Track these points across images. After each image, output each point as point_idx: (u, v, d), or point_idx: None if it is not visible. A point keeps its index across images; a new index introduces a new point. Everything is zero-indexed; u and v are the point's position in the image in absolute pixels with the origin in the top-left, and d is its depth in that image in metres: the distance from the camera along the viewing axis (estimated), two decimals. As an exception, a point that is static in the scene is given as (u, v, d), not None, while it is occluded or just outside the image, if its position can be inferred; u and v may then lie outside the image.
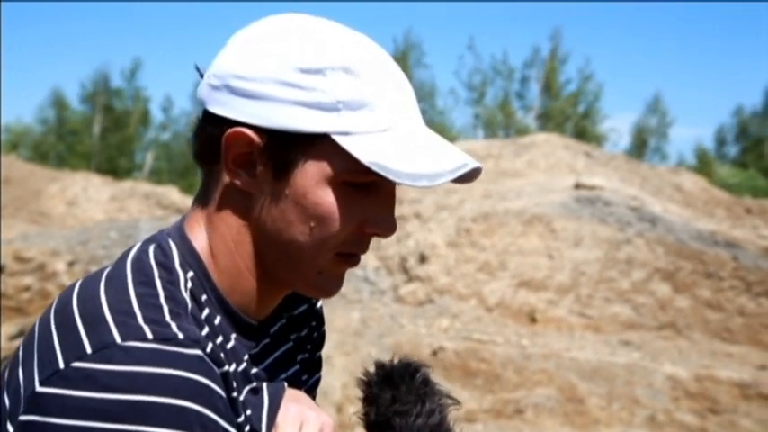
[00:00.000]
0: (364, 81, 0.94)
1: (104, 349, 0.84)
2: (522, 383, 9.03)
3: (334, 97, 0.93)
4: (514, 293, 11.98)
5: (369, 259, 12.47)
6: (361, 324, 10.08)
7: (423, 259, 12.65)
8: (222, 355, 0.92)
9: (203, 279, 0.98)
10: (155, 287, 0.92)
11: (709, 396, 9.00)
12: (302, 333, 1.18)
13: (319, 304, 1.24)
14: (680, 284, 12.23)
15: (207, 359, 0.87)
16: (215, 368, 0.88)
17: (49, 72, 71.40)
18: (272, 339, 1.09)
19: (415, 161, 0.93)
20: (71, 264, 10.18)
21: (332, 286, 1.02)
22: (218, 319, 0.97)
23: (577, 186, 14.62)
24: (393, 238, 13.03)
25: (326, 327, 1.27)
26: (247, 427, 0.93)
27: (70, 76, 75.87)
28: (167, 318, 0.88)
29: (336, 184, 0.95)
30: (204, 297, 0.97)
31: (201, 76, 1.00)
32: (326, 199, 0.95)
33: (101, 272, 0.97)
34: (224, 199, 0.99)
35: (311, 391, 1.19)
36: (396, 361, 1.08)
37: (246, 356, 1.00)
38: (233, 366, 0.94)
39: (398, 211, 1.07)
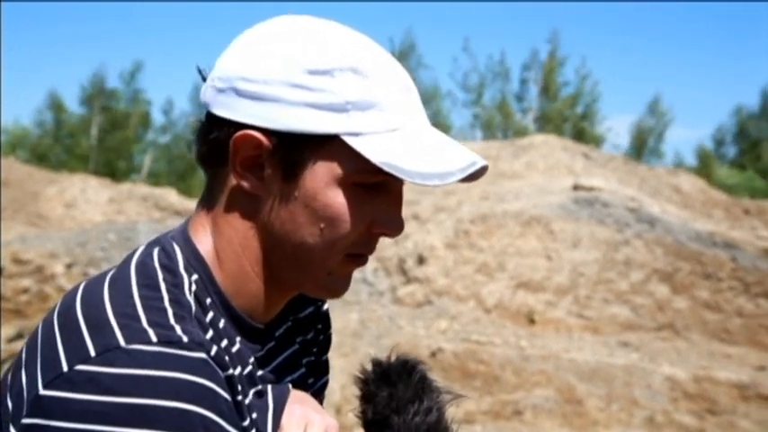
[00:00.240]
0: (372, 82, 0.95)
1: (108, 352, 0.84)
2: (521, 385, 9.03)
3: (343, 98, 0.93)
4: (513, 295, 11.98)
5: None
6: (360, 325, 10.08)
7: (421, 261, 12.65)
8: (227, 358, 0.91)
9: (208, 282, 0.98)
10: (159, 290, 0.91)
11: (707, 397, 9.01)
12: (308, 336, 1.18)
13: (325, 307, 1.23)
14: (678, 285, 12.23)
15: (211, 362, 0.87)
16: (219, 371, 0.88)
17: (48, 75, 71.45)
18: (277, 342, 1.08)
19: (426, 160, 0.94)
20: (69, 266, 10.17)
21: (341, 287, 1.02)
22: (222, 323, 0.97)
23: (576, 187, 14.63)
24: (391, 239, 13.13)
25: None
26: (253, 431, 0.93)
27: (71, 78, 75.81)
28: (171, 321, 0.88)
29: (346, 185, 0.95)
30: (209, 300, 0.96)
31: (204, 78, 1.00)
32: (337, 200, 0.94)
33: (104, 274, 0.96)
34: (230, 202, 0.99)
35: (318, 394, 1.18)
36: (393, 358, 1.08)
37: (252, 359, 0.99)
38: (238, 370, 0.94)
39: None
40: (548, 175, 16.58)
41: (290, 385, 1.03)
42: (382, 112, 0.94)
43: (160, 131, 40.49)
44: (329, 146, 0.93)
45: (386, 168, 0.92)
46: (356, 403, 1.08)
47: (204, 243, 1.00)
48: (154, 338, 0.85)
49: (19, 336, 8.66)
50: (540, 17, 66.32)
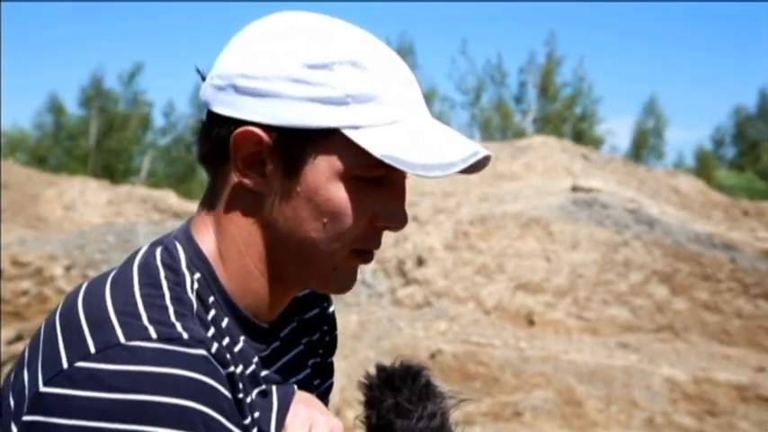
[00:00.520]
0: (372, 75, 0.94)
1: (108, 349, 0.84)
2: (520, 386, 9.04)
3: (342, 91, 0.93)
4: (512, 296, 11.98)
5: (366, 262, 12.43)
6: (359, 327, 10.08)
7: (420, 262, 12.65)
8: (228, 356, 0.91)
9: (210, 281, 0.98)
10: (160, 288, 0.91)
11: (707, 398, 9.01)
12: (314, 337, 1.18)
13: (331, 309, 1.23)
14: (677, 287, 12.24)
15: (212, 359, 0.87)
16: (220, 369, 0.88)
17: (47, 77, 71.33)
18: (282, 343, 1.08)
19: (427, 152, 0.93)
20: (68, 268, 10.17)
21: (346, 282, 1.02)
22: (225, 322, 0.96)
23: (575, 189, 14.64)
24: (390, 240, 13.00)
25: None
26: (255, 430, 0.93)
27: (71, 81, 75.76)
28: (172, 318, 0.88)
29: (348, 178, 0.94)
30: (211, 299, 0.96)
31: (203, 78, 1.00)
32: (338, 194, 0.94)
33: (107, 274, 0.96)
34: (233, 200, 0.98)
35: (324, 396, 1.18)
36: (397, 364, 1.08)
37: (256, 359, 0.99)
38: (240, 368, 0.93)
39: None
40: (547, 177, 16.59)
41: (296, 386, 1.03)
42: (382, 105, 0.94)
43: (159, 133, 40.50)
44: (330, 140, 0.93)
45: (387, 161, 0.91)
46: (357, 407, 1.08)
47: (207, 242, 1.00)
48: (154, 335, 0.85)
49: (18, 338, 8.66)
50: (538, 19, 66.38)
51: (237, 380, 0.91)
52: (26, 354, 0.93)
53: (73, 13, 68.88)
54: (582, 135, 35.79)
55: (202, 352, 0.86)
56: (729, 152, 41.80)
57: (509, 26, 68.17)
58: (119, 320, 0.87)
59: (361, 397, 1.07)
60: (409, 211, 1.01)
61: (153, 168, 38.28)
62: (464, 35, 66.98)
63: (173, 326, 0.87)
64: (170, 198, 19.12)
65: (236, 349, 0.96)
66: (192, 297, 0.93)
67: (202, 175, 1.04)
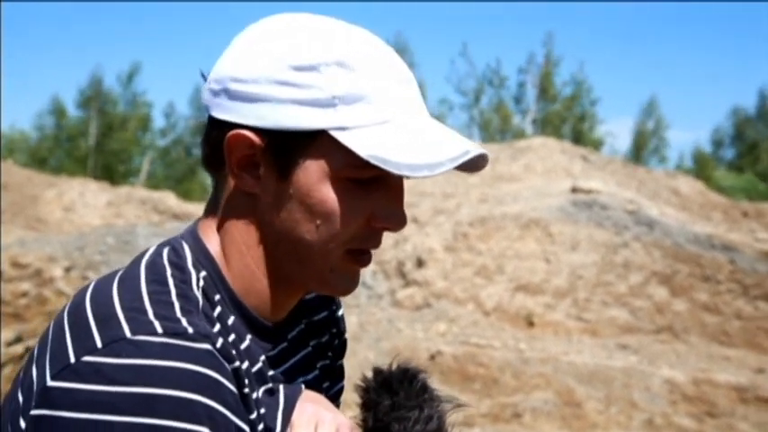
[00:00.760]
0: (360, 74, 0.94)
1: (114, 343, 0.85)
2: (520, 387, 9.03)
3: (329, 93, 0.93)
4: (512, 297, 11.98)
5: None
6: (359, 328, 10.08)
7: (420, 263, 12.65)
8: (234, 352, 0.92)
9: (216, 279, 0.99)
10: (167, 285, 0.93)
11: (706, 399, 9.01)
12: (322, 339, 1.18)
13: (340, 312, 1.23)
14: (677, 288, 12.24)
15: (217, 354, 0.88)
16: (225, 363, 0.88)
17: (47, 79, 71.34)
18: (290, 344, 1.09)
19: (416, 151, 0.93)
20: (68, 269, 10.16)
21: (345, 284, 1.02)
22: (231, 319, 0.98)
23: (574, 190, 14.64)
24: (390, 242, 12.99)
25: None
26: (261, 425, 0.93)
27: (70, 82, 75.77)
28: (178, 314, 0.89)
29: (339, 179, 0.95)
30: (217, 297, 0.97)
31: (205, 80, 1.01)
32: (330, 196, 0.95)
33: (114, 273, 0.98)
34: (232, 202, 1.00)
35: (334, 399, 1.18)
36: (394, 366, 1.08)
37: (263, 358, 1.00)
38: (246, 365, 0.94)
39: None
40: (546, 178, 16.60)
41: (303, 385, 1.03)
42: (370, 105, 0.94)
43: (159, 134, 40.47)
44: (318, 142, 0.93)
45: (372, 161, 0.91)
46: (356, 410, 1.08)
47: (213, 243, 1.01)
48: (159, 330, 0.86)
49: (18, 339, 8.64)
50: (538, 19, 66.40)
51: (243, 375, 0.91)
52: (35, 351, 0.94)
53: (72, 14, 68.97)
54: (581, 136, 35.81)
55: (207, 346, 0.87)
56: (729, 153, 41.83)
57: (508, 27, 68.25)
58: (125, 316, 0.88)
59: (358, 399, 1.07)
60: (409, 212, 1.01)
61: (152, 170, 38.28)
62: (463, 36, 67.19)
63: (178, 321, 0.88)
64: (169, 199, 19.13)
65: (243, 346, 0.97)
66: (198, 294, 0.94)
67: (202, 177, 1.06)
